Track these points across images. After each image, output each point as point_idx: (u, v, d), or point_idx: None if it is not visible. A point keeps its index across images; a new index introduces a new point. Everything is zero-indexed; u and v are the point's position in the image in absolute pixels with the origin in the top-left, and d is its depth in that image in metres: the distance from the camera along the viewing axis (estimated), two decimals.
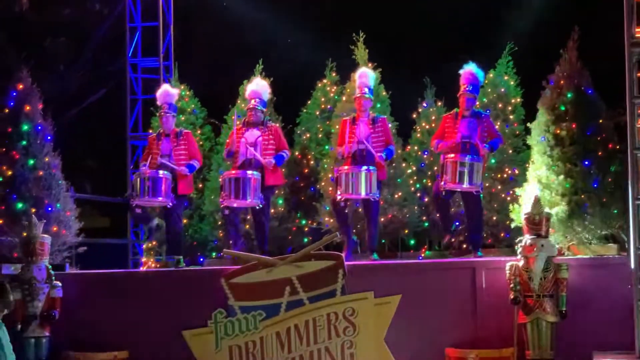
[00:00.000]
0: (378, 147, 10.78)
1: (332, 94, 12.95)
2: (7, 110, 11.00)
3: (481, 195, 10.62)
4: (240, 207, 10.90)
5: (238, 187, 10.51)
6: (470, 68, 10.82)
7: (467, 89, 10.66)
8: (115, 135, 16.27)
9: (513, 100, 12.45)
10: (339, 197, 10.48)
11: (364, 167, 10.40)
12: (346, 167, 10.48)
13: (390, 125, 12.33)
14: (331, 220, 11.87)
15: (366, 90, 10.95)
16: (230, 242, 10.90)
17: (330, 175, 11.72)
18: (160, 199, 10.62)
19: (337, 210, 10.79)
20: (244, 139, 10.95)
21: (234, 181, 10.54)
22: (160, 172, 10.67)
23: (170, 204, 10.73)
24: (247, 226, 11.83)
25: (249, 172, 10.59)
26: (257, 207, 10.73)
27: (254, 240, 11.39)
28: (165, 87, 11.43)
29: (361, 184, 10.37)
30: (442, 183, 10.31)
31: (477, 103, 11.07)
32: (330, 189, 11.61)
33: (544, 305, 8.78)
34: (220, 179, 10.87)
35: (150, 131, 12.29)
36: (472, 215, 10.71)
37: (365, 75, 11.07)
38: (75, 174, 13.95)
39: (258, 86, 11.32)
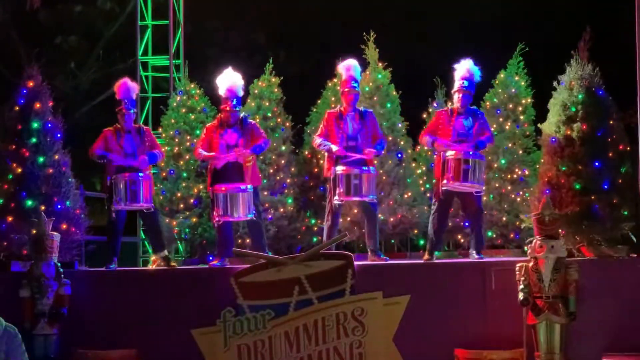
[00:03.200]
0: (368, 143, 10.46)
1: None
2: (17, 108, 10.99)
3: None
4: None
5: (226, 203, 10.18)
6: (466, 64, 10.50)
7: (463, 84, 10.37)
8: None
9: (523, 101, 12.42)
10: (337, 200, 10.24)
11: (365, 168, 10.17)
12: (343, 168, 10.18)
13: (400, 124, 12.36)
14: (341, 220, 11.86)
15: (354, 83, 10.61)
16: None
17: None
18: (141, 204, 10.51)
19: (336, 214, 10.56)
20: (223, 141, 10.59)
21: (222, 197, 10.20)
22: (141, 174, 10.49)
23: (152, 208, 10.66)
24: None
25: (242, 186, 10.24)
26: (253, 219, 10.42)
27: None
28: (124, 81, 11.22)
29: (364, 186, 10.13)
30: (445, 181, 10.01)
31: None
32: None
33: (554, 306, 8.74)
34: (210, 193, 10.55)
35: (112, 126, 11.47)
36: (471, 216, 10.44)
37: (352, 67, 10.67)
38: (85, 171, 13.98)
39: (232, 82, 10.73)
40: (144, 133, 10.96)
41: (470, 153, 9.95)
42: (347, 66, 10.70)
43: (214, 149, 10.58)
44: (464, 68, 10.46)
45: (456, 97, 10.42)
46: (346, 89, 10.58)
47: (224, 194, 10.20)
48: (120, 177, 10.42)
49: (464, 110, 10.36)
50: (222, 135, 10.60)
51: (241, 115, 10.78)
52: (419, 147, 12.62)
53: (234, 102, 10.64)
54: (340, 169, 10.17)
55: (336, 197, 10.20)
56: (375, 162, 10.79)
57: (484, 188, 10.16)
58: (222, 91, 10.71)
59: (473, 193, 10.12)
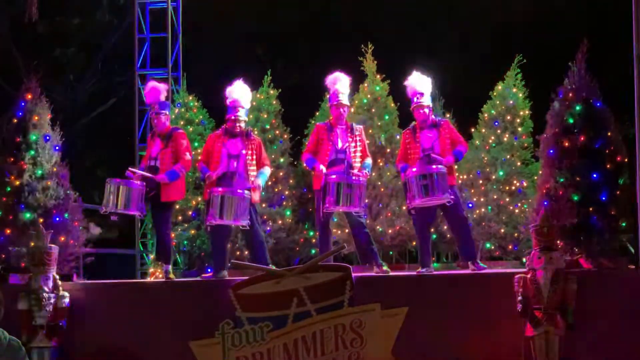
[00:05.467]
0: (356, 158, 10.41)
1: None
2: (15, 120, 10.99)
3: (460, 203, 10.37)
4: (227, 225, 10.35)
5: (223, 205, 9.99)
6: (416, 77, 10.54)
7: (418, 100, 10.41)
8: (124, 145, 16.31)
9: (521, 113, 12.44)
10: (327, 209, 10.01)
11: (354, 178, 10.02)
12: (334, 176, 10.01)
13: (398, 136, 12.34)
14: (339, 232, 11.87)
15: (342, 97, 10.54)
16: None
17: None
18: (131, 211, 10.32)
19: (324, 224, 10.43)
20: (225, 149, 10.53)
21: (219, 199, 10.01)
22: (137, 182, 10.35)
23: (140, 215, 10.49)
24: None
25: (239, 190, 10.14)
26: (246, 227, 10.24)
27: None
28: (152, 84, 11.13)
29: (354, 195, 9.94)
30: (407, 202, 10.02)
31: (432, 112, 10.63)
32: None
33: (552, 318, 8.75)
34: (206, 194, 10.40)
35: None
36: (454, 227, 10.39)
37: (340, 80, 10.61)
38: (83, 184, 13.97)
39: (240, 92, 10.74)
40: (171, 138, 10.79)
41: (433, 167, 9.85)
42: (333, 80, 10.66)
43: (215, 158, 10.53)
44: (414, 82, 10.51)
45: (415, 114, 10.46)
46: (334, 103, 10.56)
47: (220, 195, 10.05)
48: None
49: (426, 124, 10.39)
50: (225, 144, 10.55)
51: (247, 128, 10.73)
52: None
53: (240, 112, 10.60)
54: (332, 177, 10.02)
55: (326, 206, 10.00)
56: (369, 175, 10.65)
57: (451, 197, 9.88)
58: (229, 101, 10.69)
59: (446, 204, 9.98)
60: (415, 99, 10.45)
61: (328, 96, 11.00)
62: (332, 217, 10.66)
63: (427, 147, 10.27)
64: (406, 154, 10.45)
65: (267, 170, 10.70)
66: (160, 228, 10.78)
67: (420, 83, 10.50)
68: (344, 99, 10.58)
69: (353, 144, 10.47)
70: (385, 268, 10.21)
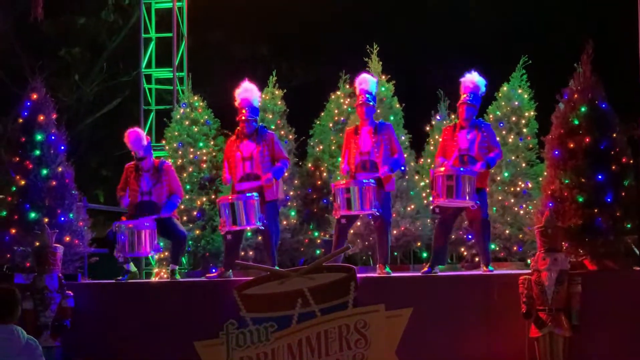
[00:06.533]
0: (383, 157, 10.28)
1: (345, 106, 12.91)
2: (21, 120, 11.02)
3: (485, 210, 10.20)
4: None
5: (234, 212, 10.08)
6: (471, 76, 10.47)
7: (468, 98, 10.31)
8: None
9: (527, 114, 12.42)
10: (338, 215, 10.07)
11: (365, 181, 9.98)
12: (342, 182, 10.10)
13: (403, 137, 12.32)
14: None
15: (368, 96, 10.44)
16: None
17: None
18: (143, 251, 10.52)
19: (339, 227, 10.36)
20: (239, 152, 10.52)
21: (229, 207, 10.11)
22: (146, 223, 10.45)
23: (154, 253, 10.63)
24: (260, 237, 11.71)
25: (247, 194, 10.17)
26: (261, 228, 10.35)
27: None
28: (132, 134, 10.94)
29: (357, 199, 9.91)
30: (432, 200, 9.97)
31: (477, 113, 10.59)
32: None
33: (557, 319, 8.74)
34: (217, 204, 10.47)
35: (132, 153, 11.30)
36: (475, 230, 10.31)
37: (366, 81, 10.53)
38: (88, 184, 13.99)
39: (247, 92, 10.69)
40: (162, 171, 10.89)
41: (462, 170, 9.82)
42: (361, 80, 10.60)
43: (232, 162, 10.55)
44: (468, 80, 10.45)
45: (460, 110, 10.39)
46: (359, 103, 10.48)
47: (230, 202, 10.13)
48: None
49: (467, 123, 10.30)
50: (239, 146, 10.55)
51: (258, 125, 10.70)
52: (422, 160, 12.63)
53: (249, 111, 10.57)
54: (340, 182, 10.09)
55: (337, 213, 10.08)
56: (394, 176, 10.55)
57: (475, 203, 9.86)
58: (237, 102, 10.69)
59: (469, 208, 9.97)
60: (464, 96, 10.37)
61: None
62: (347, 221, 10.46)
63: (464, 147, 10.21)
64: (444, 150, 10.38)
65: (283, 164, 10.61)
66: (177, 230, 10.91)
67: (473, 82, 10.42)
68: (369, 98, 10.44)
69: (377, 144, 10.32)
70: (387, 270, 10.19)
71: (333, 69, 11.37)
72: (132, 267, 10.73)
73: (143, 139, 10.92)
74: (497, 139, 10.53)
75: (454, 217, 10.42)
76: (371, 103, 10.49)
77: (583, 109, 9.74)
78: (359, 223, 11.68)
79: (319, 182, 12.57)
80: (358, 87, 10.58)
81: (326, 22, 20.58)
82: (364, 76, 10.67)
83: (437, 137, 12.60)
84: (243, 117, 10.53)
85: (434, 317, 9.34)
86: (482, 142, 10.23)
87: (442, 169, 9.87)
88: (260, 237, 11.63)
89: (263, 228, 10.32)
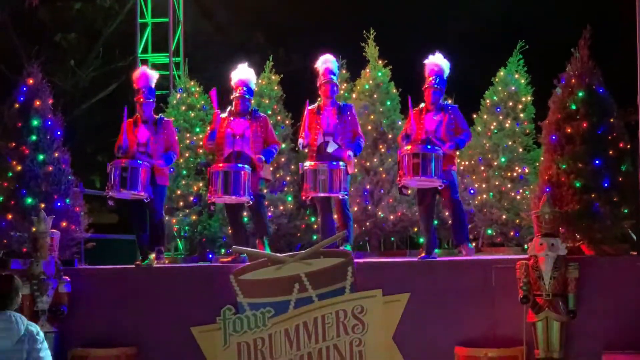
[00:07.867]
0: (345, 139, 10.30)
1: (342, 91, 12.88)
2: (17, 106, 10.99)
3: (457, 188, 10.27)
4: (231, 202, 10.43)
5: (227, 181, 10.01)
6: (434, 59, 10.42)
7: (434, 82, 10.26)
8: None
9: (523, 99, 12.42)
10: (305, 196, 10.08)
11: (334, 164, 9.96)
12: (311, 163, 10.05)
13: (399, 122, 12.29)
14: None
15: (332, 76, 10.46)
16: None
17: None
18: (138, 192, 10.20)
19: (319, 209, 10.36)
20: (229, 129, 10.49)
21: (222, 175, 10.03)
22: (139, 160, 10.31)
23: (148, 198, 10.33)
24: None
25: (240, 165, 10.14)
26: (249, 204, 10.32)
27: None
28: (142, 69, 11.06)
29: (327, 181, 9.91)
30: (397, 179, 9.93)
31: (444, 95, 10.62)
32: None
33: (554, 304, 8.76)
34: (207, 172, 10.38)
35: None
36: (449, 211, 10.31)
37: (330, 60, 10.55)
38: (84, 169, 13.97)
39: (244, 74, 10.73)
40: (161, 125, 10.76)
41: (428, 147, 9.76)
42: (325, 59, 10.59)
43: (220, 138, 10.50)
44: (433, 64, 10.39)
45: (426, 94, 10.33)
46: (323, 82, 10.47)
47: (221, 170, 10.05)
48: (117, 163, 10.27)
49: (434, 107, 10.26)
50: (230, 123, 10.53)
51: (252, 107, 10.72)
52: None
53: (244, 90, 10.57)
54: (307, 164, 10.06)
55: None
56: (355, 160, 10.52)
57: (442, 182, 9.75)
58: (233, 82, 10.68)
59: (443, 186, 9.86)
60: (429, 79, 10.33)
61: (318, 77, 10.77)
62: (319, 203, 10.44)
63: (431, 129, 10.16)
64: (407, 132, 10.30)
65: (274, 148, 10.65)
66: (158, 208, 10.70)
67: (438, 65, 10.37)
68: (334, 78, 10.50)
69: (341, 126, 10.36)
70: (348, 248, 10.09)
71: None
72: (151, 255, 10.60)
73: (152, 79, 10.92)
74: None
75: (432, 196, 10.25)
76: (335, 81, 10.52)
77: (580, 94, 9.73)
78: (356, 208, 11.68)
79: None
80: (322, 66, 10.56)
81: (323, 6, 20.51)
82: (327, 56, 10.66)
83: None
84: (238, 94, 10.55)
85: (431, 302, 9.35)
86: (449, 125, 10.19)
87: (409, 147, 9.83)
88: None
89: (251, 204, 10.27)
